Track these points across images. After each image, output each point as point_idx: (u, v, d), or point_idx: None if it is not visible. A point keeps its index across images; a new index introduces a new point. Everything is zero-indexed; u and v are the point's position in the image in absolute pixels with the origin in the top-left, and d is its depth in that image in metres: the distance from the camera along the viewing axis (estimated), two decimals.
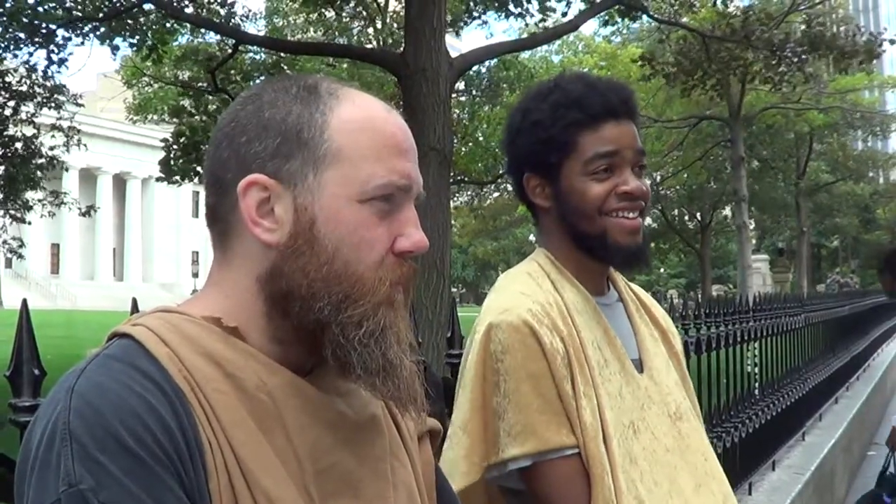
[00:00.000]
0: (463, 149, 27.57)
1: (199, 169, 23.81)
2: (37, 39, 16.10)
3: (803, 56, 20.47)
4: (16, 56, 17.84)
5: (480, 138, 29.19)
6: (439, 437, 1.55)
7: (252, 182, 1.21)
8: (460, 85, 25.94)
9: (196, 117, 22.84)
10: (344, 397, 1.27)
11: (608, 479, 1.86)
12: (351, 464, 1.24)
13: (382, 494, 1.27)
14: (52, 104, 21.62)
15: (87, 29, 16.47)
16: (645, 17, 20.25)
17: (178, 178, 24.69)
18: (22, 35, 15.81)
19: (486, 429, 1.93)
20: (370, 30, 27.13)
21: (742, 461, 5.58)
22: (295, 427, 1.19)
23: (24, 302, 1.57)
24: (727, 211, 48.33)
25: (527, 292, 2.01)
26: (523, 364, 1.91)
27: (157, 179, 26.09)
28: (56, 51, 16.88)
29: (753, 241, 45.16)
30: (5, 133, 20.93)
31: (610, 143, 2.00)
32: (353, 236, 1.20)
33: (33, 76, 19.92)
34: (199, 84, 22.34)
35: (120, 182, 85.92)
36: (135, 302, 1.60)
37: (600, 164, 1.99)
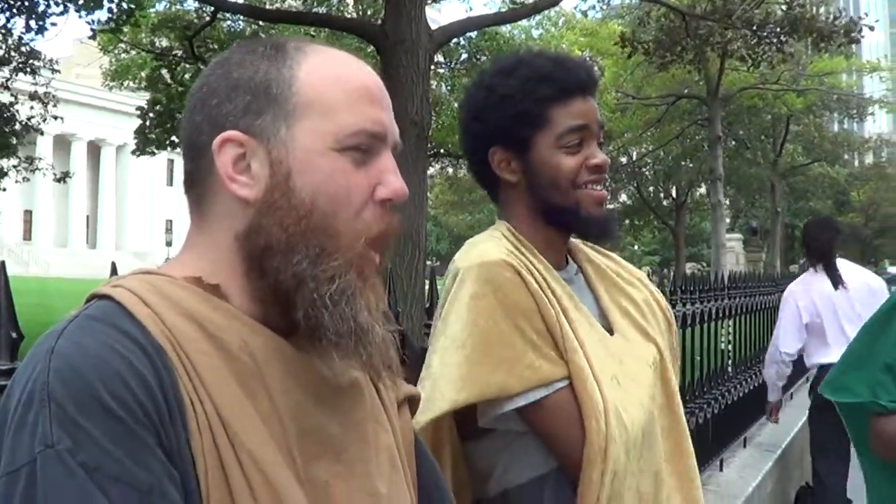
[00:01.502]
0: (440, 121, 27.43)
1: (174, 139, 23.65)
2: (17, 7, 15.91)
3: (783, 38, 20.49)
4: None
5: (457, 110, 29.03)
6: (418, 404, 1.54)
7: (226, 139, 1.21)
8: (439, 57, 25.83)
9: (172, 86, 22.66)
10: (325, 360, 1.26)
11: (600, 423, 1.88)
12: (333, 426, 1.24)
13: (365, 457, 1.27)
14: (28, 70, 21.43)
15: None
16: None
17: (153, 148, 24.52)
18: (2, 4, 15.62)
19: (488, 357, 1.92)
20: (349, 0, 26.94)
21: (714, 438, 5.62)
22: (277, 389, 1.18)
23: (2, 264, 1.54)
24: (702, 189, 48.46)
25: (495, 246, 2.05)
26: (516, 301, 1.93)
27: (133, 152, 25.90)
28: (36, 19, 16.71)
29: (727, 220, 45.27)
30: None
31: (580, 118, 2.05)
32: (329, 185, 1.20)
33: (9, 41, 19.72)
34: (176, 52, 22.15)
35: (94, 149, 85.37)
36: (114, 266, 1.59)
37: (573, 137, 2.04)
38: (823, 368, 6.59)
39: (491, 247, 2.03)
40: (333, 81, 1.24)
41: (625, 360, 2.04)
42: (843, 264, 6.69)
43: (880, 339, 2.77)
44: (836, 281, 6.59)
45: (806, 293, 6.68)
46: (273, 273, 1.19)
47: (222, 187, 1.22)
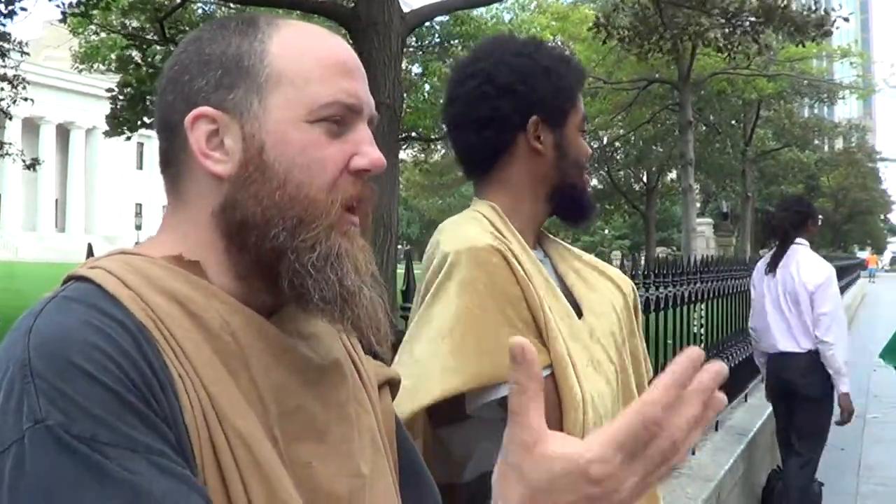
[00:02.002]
0: (410, 101, 27.36)
1: (146, 120, 23.53)
2: None
3: (758, 27, 20.53)
4: None
5: (429, 93, 28.93)
6: (398, 387, 1.53)
7: (199, 115, 1.20)
8: (411, 40, 25.76)
9: (143, 68, 22.51)
10: (307, 341, 1.25)
11: (578, 414, 1.91)
12: (315, 407, 1.23)
13: (347, 438, 1.26)
14: None
15: None
16: None
17: (124, 129, 24.38)
18: None
19: (478, 344, 1.92)
20: None
21: None
22: (259, 369, 1.17)
23: None
24: (673, 174, 48.60)
25: (479, 229, 2.06)
26: (504, 289, 1.95)
27: (104, 133, 25.70)
28: (6, 3, 16.55)
29: (698, 205, 45.44)
30: None
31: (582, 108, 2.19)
32: (303, 157, 1.19)
33: None
34: (146, 34, 22.00)
35: (63, 132, 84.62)
36: (90, 247, 1.58)
37: (585, 124, 2.18)
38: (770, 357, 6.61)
39: (477, 230, 2.04)
40: (305, 53, 1.23)
41: (598, 340, 2.07)
42: (797, 251, 6.50)
43: None
44: (771, 265, 6.54)
45: (755, 273, 6.79)
46: (253, 247, 1.18)
47: (197, 164, 1.21)
